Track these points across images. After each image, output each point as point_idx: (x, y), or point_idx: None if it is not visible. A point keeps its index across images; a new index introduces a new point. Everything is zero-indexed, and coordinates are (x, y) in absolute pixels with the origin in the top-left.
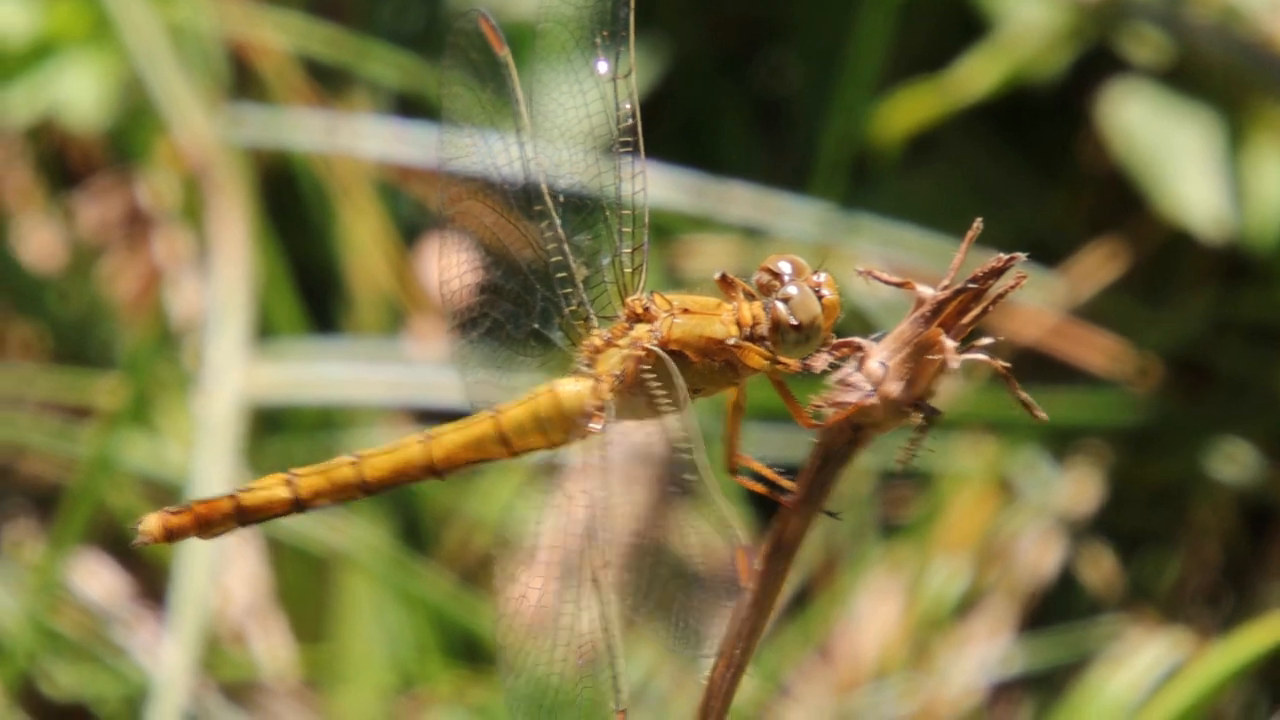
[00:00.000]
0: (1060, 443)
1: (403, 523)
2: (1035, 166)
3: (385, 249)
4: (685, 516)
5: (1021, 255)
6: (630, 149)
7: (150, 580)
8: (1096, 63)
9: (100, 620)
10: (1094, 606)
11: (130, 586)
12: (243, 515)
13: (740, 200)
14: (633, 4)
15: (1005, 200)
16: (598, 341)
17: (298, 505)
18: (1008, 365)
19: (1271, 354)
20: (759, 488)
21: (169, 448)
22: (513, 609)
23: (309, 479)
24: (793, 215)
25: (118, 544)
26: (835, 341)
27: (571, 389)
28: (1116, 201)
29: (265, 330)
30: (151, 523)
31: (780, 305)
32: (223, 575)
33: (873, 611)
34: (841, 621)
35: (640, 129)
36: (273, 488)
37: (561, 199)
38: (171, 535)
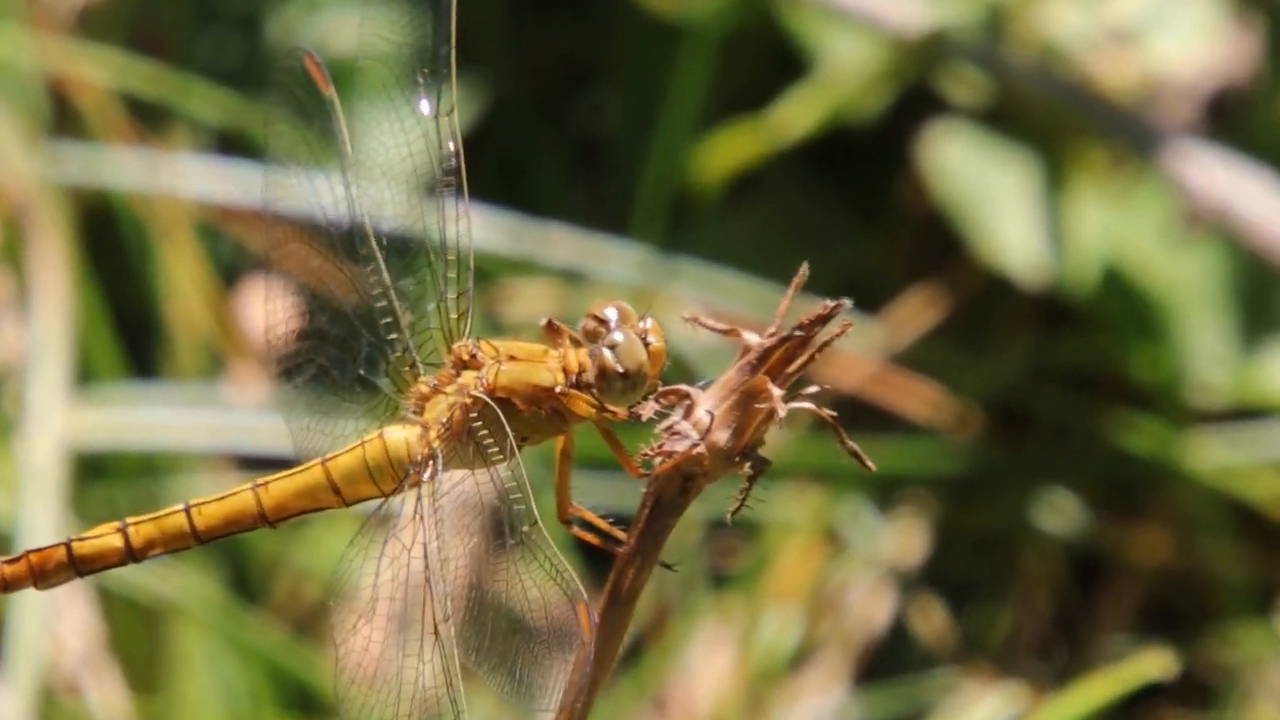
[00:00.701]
0: (884, 492)
1: (232, 572)
2: (855, 208)
3: (205, 291)
4: (521, 568)
5: (847, 302)
6: (453, 189)
7: None
8: (916, 103)
9: None
10: (927, 659)
11: None
12: (77, 565)
13: (560, 243)
14: (454, 41)
15: (826, 242)
16: (424, 388)
17: (132, 555)
18: (835, 415)
19: (1090, 400)
20: (593, 539)
21: None
22: (353, 662)
23: (142, 527)
24: (613, 258)
25: None
26: (662, 389)
27: (399, 436)
28: (936, 244)
29: (86, 374)
30: None
31: (606, 352)
32: (55, 625)
33: (706, 663)
34: (675, 673)
35: (463, 169)
36: (106, 536)
37: (385, 242)
38: (7, 586)
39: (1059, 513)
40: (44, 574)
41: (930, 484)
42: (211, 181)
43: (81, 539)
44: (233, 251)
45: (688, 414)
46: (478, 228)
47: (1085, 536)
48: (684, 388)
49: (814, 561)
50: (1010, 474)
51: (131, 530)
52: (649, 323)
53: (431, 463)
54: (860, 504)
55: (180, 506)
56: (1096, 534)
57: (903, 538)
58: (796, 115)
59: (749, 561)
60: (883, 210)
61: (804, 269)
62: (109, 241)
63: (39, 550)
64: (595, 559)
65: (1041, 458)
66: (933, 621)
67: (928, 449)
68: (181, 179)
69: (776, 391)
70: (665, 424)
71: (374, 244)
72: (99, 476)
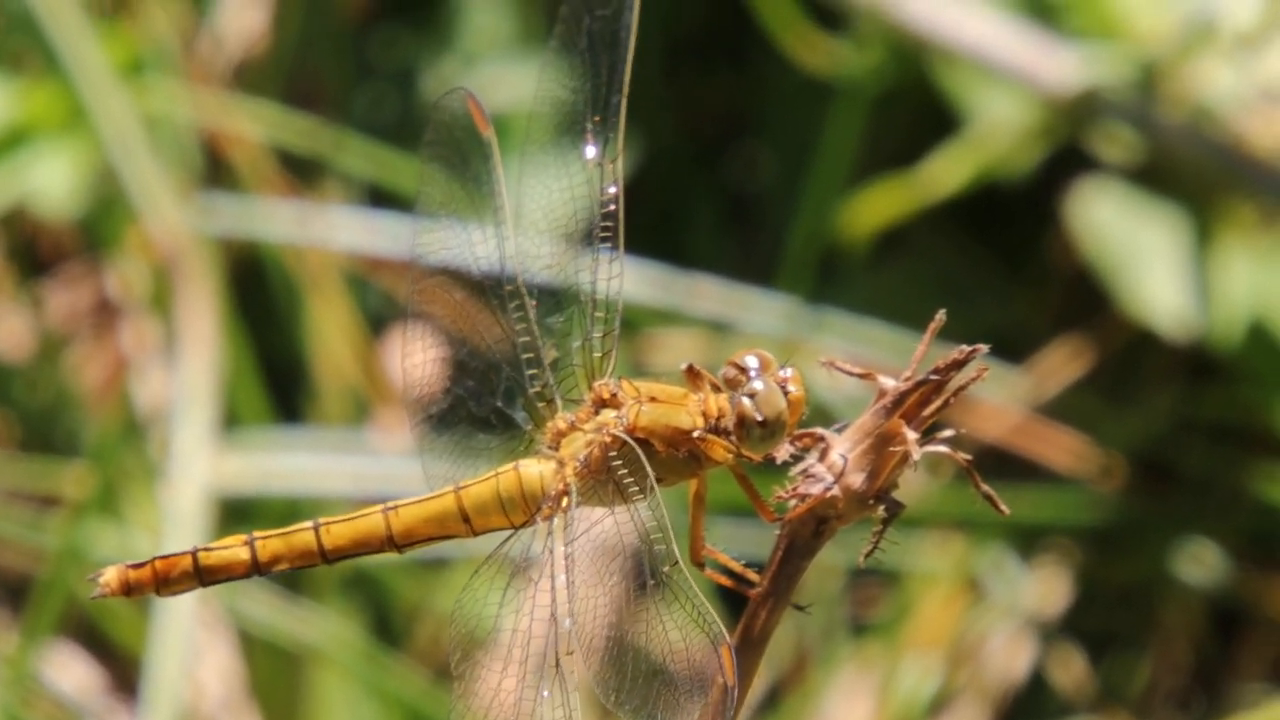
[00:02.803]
0: (1026, 541)
1: (374, 616)
2: (1003, 264)
3: (352, 340)
4: (662, 609)
5: (983, 347)
6: (610, 233)
7: (123, 672)
8: (1067, 161)
9: (73, 713)
10: (1065, 708)
11: (103, 679)
12: (202, 574)
13: (708, 294)
14: (625, 90)
15: (973, 297)
16: (562, 425)
17: (257, 568)
18: (969, 458)
19: (1235, 454)
20: (725, 580)
21: (137, 538)
22: (476, 698)
23: (269, 542)
24: (760, 310)
25: (90, 636)
26: (798, 432)
27: (535, 470)
28: (1083, 300)
29: (232, 420)
30: (110, 575)
31: (745, 400)
32: (195, 668)
33: (845, 711)
34: None
35: (622, 213)
36: (233, 548)
37: (536, 281)
38: (130, 589)
39: (1200, 564)
40: (168, 581)
41: (1073, 534)
42: (361, 233)
43: (208, 549)
44: (381, 301)
45: (822, 457)
46: (629, 276)
47: (1226, 588)
48: (819, 431)
49: (955, 610)
50: (1153, 525)
51: (259, 544)
52: (789, 371)
53: (566, 497)
54: (1002, 553)
55: (309, 524)
56: (1237, 586)
57: (1044, 587)
58: (947, 172)
59: (889, 610)
60: (1031, 266)
61: (941, 314)
62: (258, 292)
63: (165, 557)
64: (728, 603)
65: (1184, 510)
66: (1072, 671)
67: (1071, 499)
68: (332, 230)
69: (911, 435)
70: (800, 467)
71: (520, 281)
72: (243, 522)
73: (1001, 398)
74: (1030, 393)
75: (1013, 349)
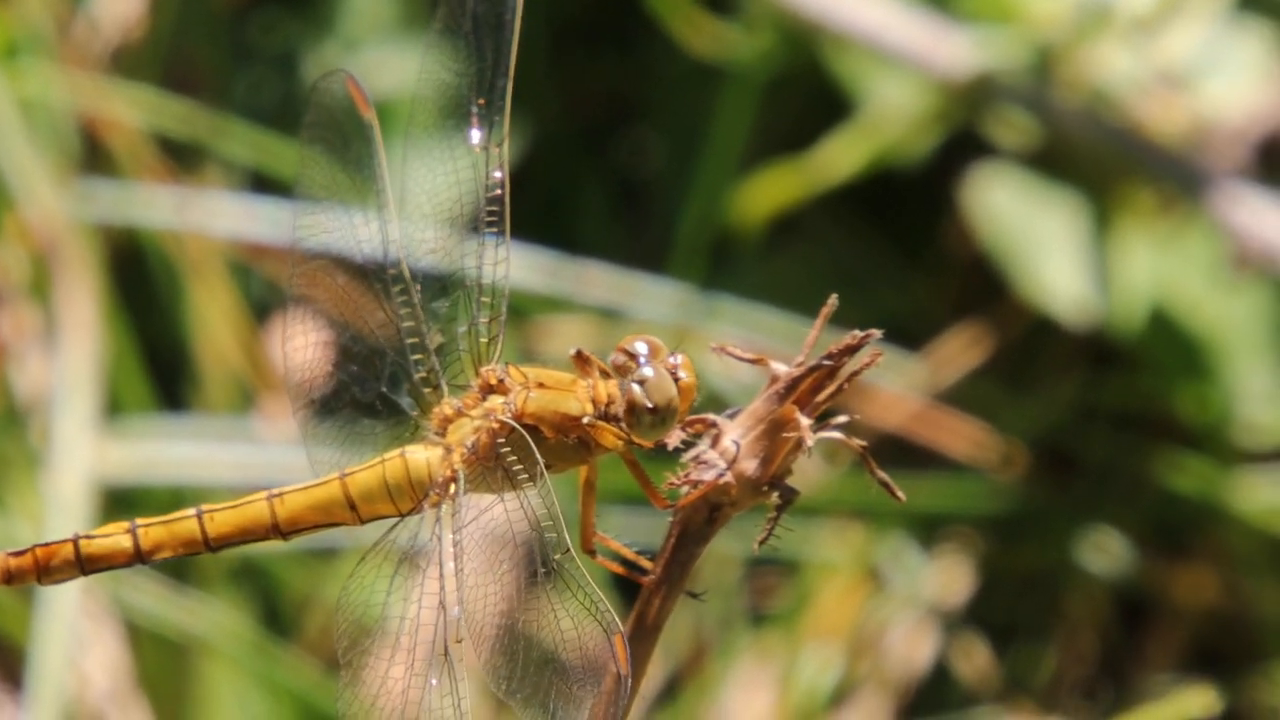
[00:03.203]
0: (927, 530)
1: (263, 607)
2: (899, 250)
3: (236, 327)
4: (553, 598)
5: (876, 333)
6: (496, 219)
7: (6, 664)
8: (962, 146)
9: None
10: (969, 699)
11: None
12: (83, 562)
13: (598, 281)
14: (510, 74)
15: (868, 284)
16: (449, 410)
17: (140, 556)
18: (864, 445)
19: (1137, 441)
20: (618, 568)
21: (18, 526)
22: (368, 691)
23: (152, 530)
24: (651, 297)
25: None
26: (689, 419)
27: (420, 457)
28: (981, 286)
29: (114, 408)
30: None
31: (635, 387)
32: (81, 659)
33: (745, 702)
34: (713, 712)
35: (508, 199)
36: (115, 535)
37: (421, 267)
38: (10, 578)
39: (1104, 553)
40: (49, 569)
41: (974, 523)
42: (243, 219)
43: (90, 537)
44: (264, 288)
45: (714, 443)
46: (516, 263)
47: (1131, 577)
48: (710, 417)
49: (855, 600)
50: (1055, 514)
51: (141, 532)
52: (679, 358)
53: (453, 484)
54: (902, 542)
55: (192, 511)
56: (1142, 574)
57: (946, 577)
58: (840, 157)
59: (789, 600)
60: (928, 252)
61: (833, 300)
62: (139, 278)
63: (46, 545)
64: (622, 591)
65: (1087, 498)
66: (976, 661)
67: (972, 488)
68: (213, 216)
69: (804, 420)
70: (692, 453)
71: (404, 266)
72: (126, 511)
73: (899, 385)
74: (928, 380)
75: (910, 336)
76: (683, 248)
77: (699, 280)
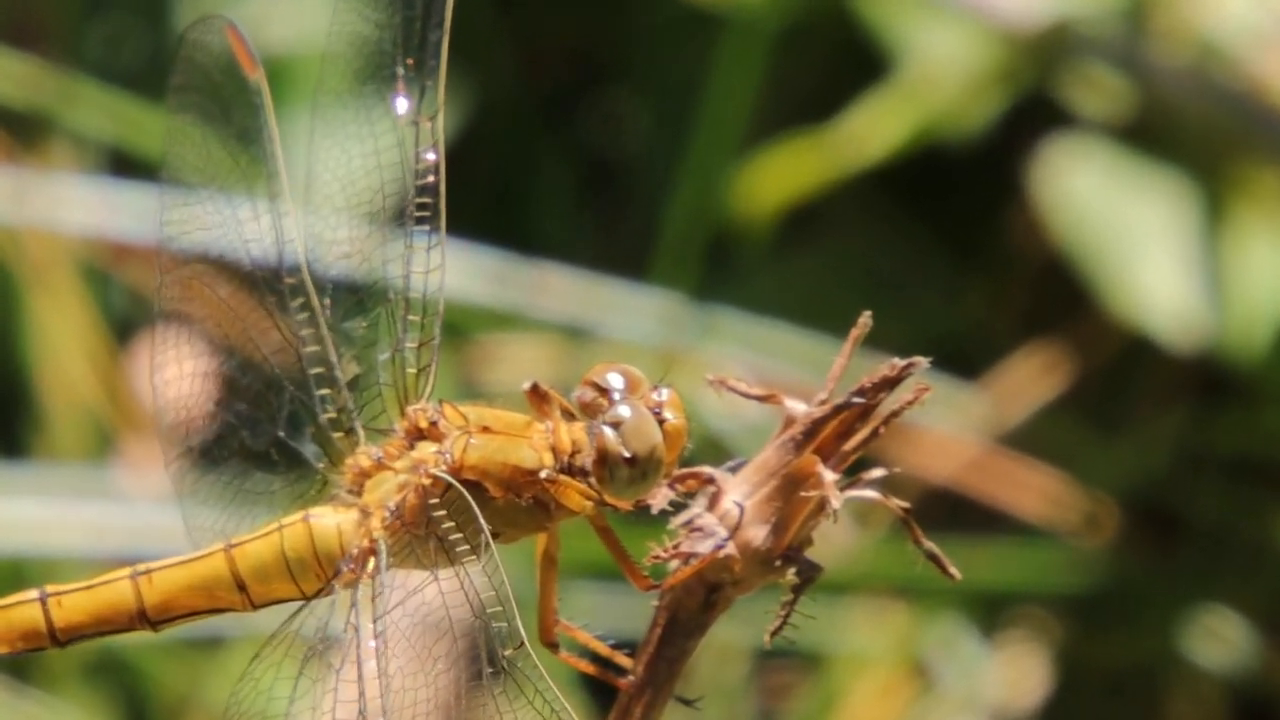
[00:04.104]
0: (989, 612)
1: (127, 713)
2: (950, 250)
3: (89, 349)
4: (503, 705)
5: (923, 361)
6: (428, 212)
7: None
8: (1032, 115)
9: None
10: None
11: None
12: None
13: (559, 290)
14: (447, 24)
15: (910, 293)
16: (366, 462)
17: None
18: (907, 506)
19: (1257, 496)
20: (588, 667)
21: None
22: None
23: None
24: (629, 311)
25: None
26: (679, 472)
27: (329, 522)
28: (1057, 297)
29: None
30: None
31: (608, 431)
32: None
33: None
34: None
35: (444, 186)
36: None
37: (329, 276)
38: None
39: (1217, 640)
40: None
41: (1050, 603)
42: (99, 210)
43: None
44: (127, 300)
45: (713, 505)
46: (454, 269)
47: (1250, 670)
48: (707, 470)
49: (895, 703)
50: (1155, 590)
51: None
52: (665, 393)
53: (372, 558)
54: (957, 628)
55: (35, 594)
56: (1264, 667)
57: (1013, 672)
58: (874, 130)
59: (810, 703)
60: (987, 252)
61: (866, 317)
62: None
63: None
64: (594, 694)
65: (1195, 570)
66: None
67: (1046, 557)
68: (60, 207)
69: (828, 475)
70: (683, 518)
71: (306, 273)
72: None
73: (952, 426)
74: (990, 419)
75: (966, 362)
76: (669, 247)
77: (690, 289)
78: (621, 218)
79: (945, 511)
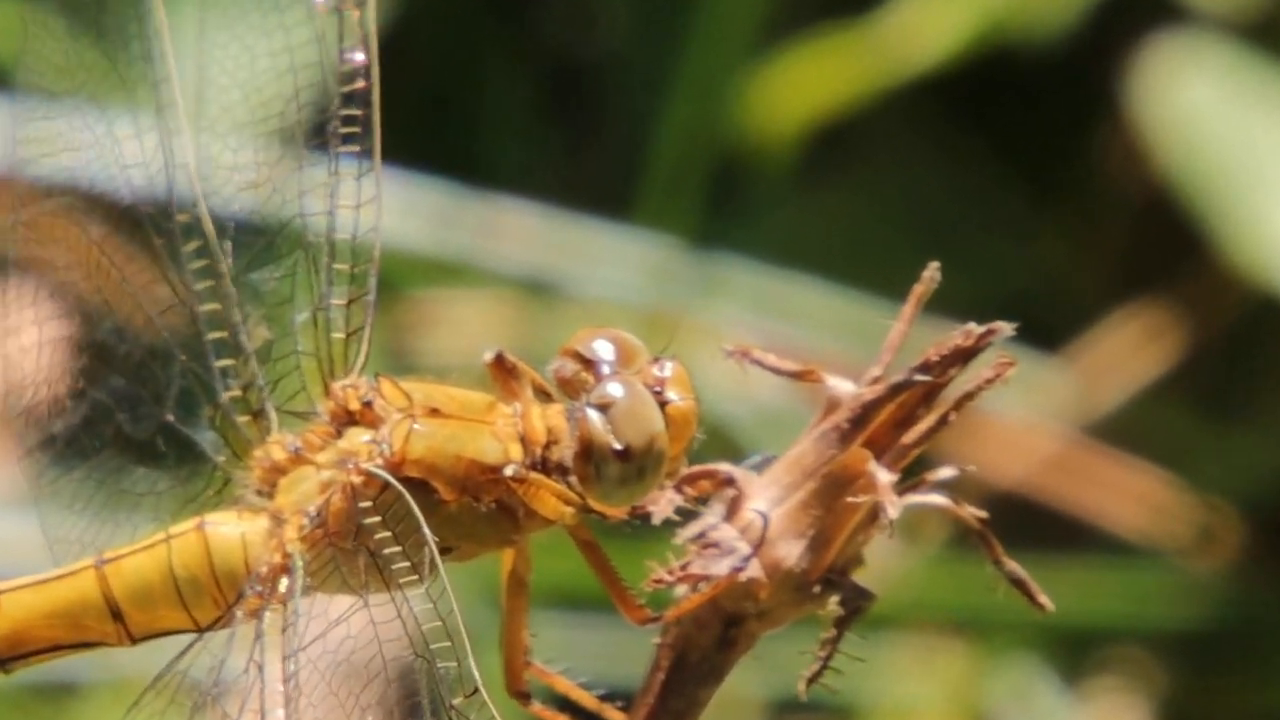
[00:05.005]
0: (1072, 653)
1: None
2: (1024, 182)
3: None
4: None
5: (1006, 327)
6: (356, 129)
7: None
8: (1131, 7)
9: None
10: None
11: None
12: None
13: (517, 232)
14: None
15: (971, 239)
16: (279, 455)
17: None
18: (983, 515)
19: None
20: None
21: None
22: None
23: None
24: (607, 260)
25: None
26: (689, 471)
27: (231, 532)
28: (1160, 244)
29: None
30: None
31: (594, 415)
32: None
33: None
34: None
35: (377, 98)
36: None
37: (232, 209)
38: None
39: None
40: None
41: (1151, 640)
42: None
43: None
44: None
45: (731, 513)
46: (390, 203)
47: None
48: (725, 469)
49: None
50: None
51: None
52: (668, 367)
53: (285, 577)
54: (1030, 672)
55: None
56: None
57: None
58: (925, 26)
59: None
60: (1071, 186)
61: (933, 271)
62: None
63: None
64: None
65: None
66: None
67: (1146, 581)
68: None
69: (883, 476)
70: (693, 529)
71: (203, 209)
72: None
73: (1027, 411)
74: (1075, 402)
75: (1043, 328)
76: (660, 177)
77: (688, 232)
78: (595, 138)
79: (1016, 522)
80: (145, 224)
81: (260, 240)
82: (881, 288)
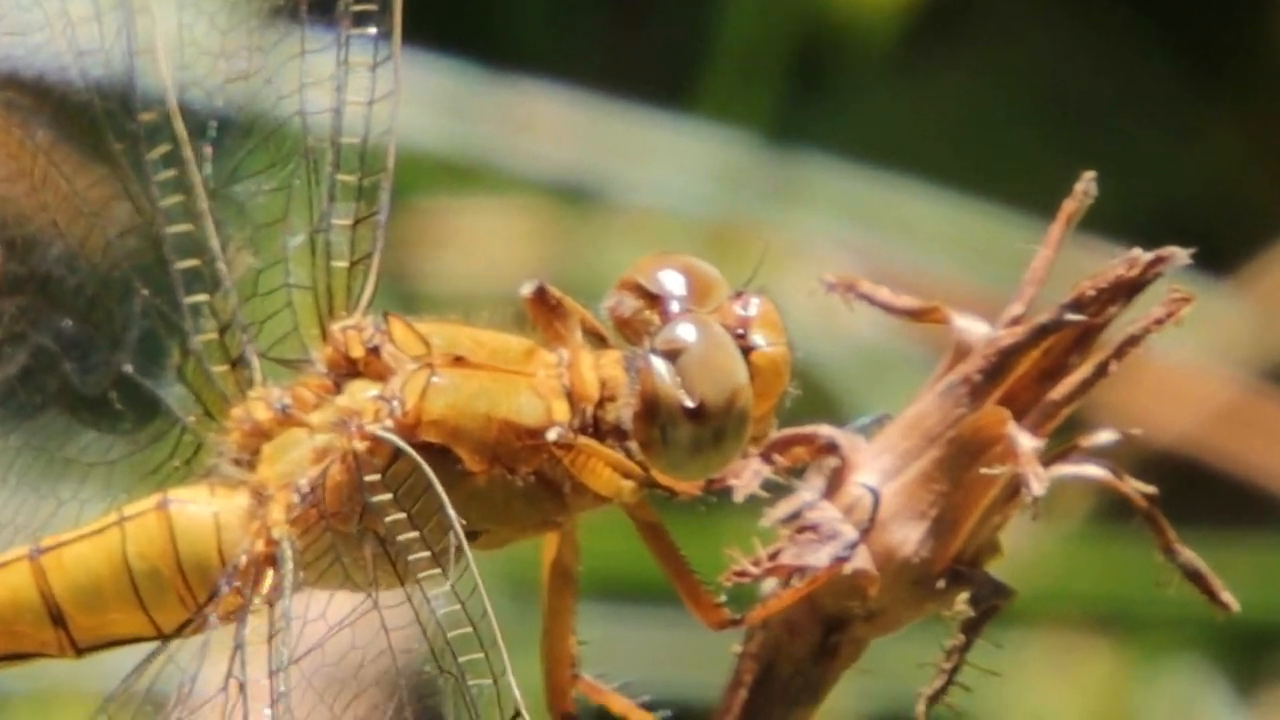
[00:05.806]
0: (1246, 654)
1: None
2: (1183, 63)
3: None
4: None
5: (1182, 253)
6: (372, 9)
7: None
8: None
9: None
10: None
11: None
12: None
13: (552, 124)
14: None
15: (1117, 133)
16: (263, 414)
17: None
18: (1152, 493)
19: None
20: None
21: None
22: None
23: None
24: (666, 158)
25: None
26: (780, 435)
27: (203, 512)
28: None
29: None
30: None
31: (659, 365)
32: None
33: None
34: None
35: None
36: None
37: (212, 105)
38: None
39: None
40: None
41: None
42: None
43: None
44: None
45: (834, 489)
46: (409, 97)
47: None
48: (825, 432)
49: None
50: None
51: None
52: (754, 303)
53: (271, 570)
54: (1193, 677)
55: None
56: None
57: None
58: None
59: None
60: (1242, 69)
61: (1087, 183)
62: None
63: None
64: None
65: None
66: None
67: None
68: None
69: (1026, 442)
70: (784, 509)
71: (174, 107)
72: None
73: (1191, 351)
74: (1253, 339)
75: (1211, 245)
76: (728, 59)
77: (764, 125)
78: (648, 11)
79: (1177, 488)
80: (103, 124)
81: (247, 144)
82: (1007, 194)
